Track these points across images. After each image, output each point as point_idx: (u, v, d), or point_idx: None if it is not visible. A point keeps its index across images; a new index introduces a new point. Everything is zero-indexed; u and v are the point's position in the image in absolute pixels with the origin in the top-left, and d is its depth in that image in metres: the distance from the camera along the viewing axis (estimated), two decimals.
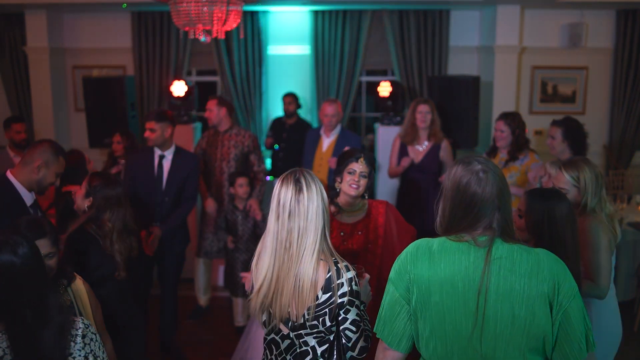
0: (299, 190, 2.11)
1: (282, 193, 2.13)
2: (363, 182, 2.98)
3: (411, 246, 1.93)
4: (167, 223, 4.27)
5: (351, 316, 2.12)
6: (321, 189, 2.15)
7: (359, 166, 2.97)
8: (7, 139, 5.28)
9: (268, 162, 6.70)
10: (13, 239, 1.80)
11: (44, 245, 2.28)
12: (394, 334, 1.90)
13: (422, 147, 5.02)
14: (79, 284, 2.44)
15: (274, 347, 2.24)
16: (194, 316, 5.09)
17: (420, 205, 4.98)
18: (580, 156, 3.05)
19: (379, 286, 3.01)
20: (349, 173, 2.98)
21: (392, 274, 1.94)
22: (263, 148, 6.73)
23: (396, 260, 1.95)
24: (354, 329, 2.12)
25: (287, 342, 2.20)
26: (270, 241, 2.14)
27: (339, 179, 3.01)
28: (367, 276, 2.41)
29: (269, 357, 2.25)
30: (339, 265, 2.12)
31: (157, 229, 4.20)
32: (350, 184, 2.97)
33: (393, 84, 6.11)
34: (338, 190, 3.02)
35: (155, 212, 4.28)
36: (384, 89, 6.07)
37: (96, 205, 2.98)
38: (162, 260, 4.36)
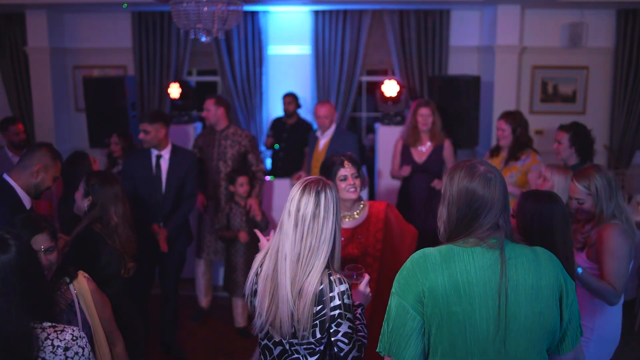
0: (316, 204, 2.08)
1: (303, 202, 2.08)
2: (357, 182, 2.99)
3: (417, 256, 1.87)
4: (171, 223, 4.28)
5: (343, 329, 2.09)
6: (337, 208, 2.12)
7: (347, 170, 2.97)
8: (6, 140, 5.27)
9: (268, 162, 6.70)
10: (3, 236, 1.78)
11: (43, 240, 2.28)
12: (409, 353, 1.81)
13: (424, 148, 5.04)
14: (82, 283, 2.41)
15: (267, 353, 2.24)
16: (195, 318, 5.09)
17: (422, 205, 4.98)
18: (591, 164, 3.05)
19: (377, 289, 3.00)
20: (342, 180, 2.97)
21: (397, 287, 1.86)
22: (263, 148, 6.74)
23: (400, 272, 1.87)
24: (346, 341, 2.10)
25: (279, 348, 2.20)
26: (289, 251, 2.10)
27: None
28: (367, 277, 2.39)
29: None
30: (332, 277, 2.09)
31: (163, 229, 4.22)
32: (348, 189, 2.97)
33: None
34: None
35: (156, 211, 4.28)
36: (390, 88, 6.01)
37: (99, 203, 2.98)
38: (163, 260, 4.36)
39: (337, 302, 2.07)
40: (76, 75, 6.98)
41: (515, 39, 6.35)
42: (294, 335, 2.11)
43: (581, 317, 2.76)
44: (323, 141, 5.21)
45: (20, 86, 7.00)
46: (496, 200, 1.81)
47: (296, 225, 2.08)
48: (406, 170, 4.96)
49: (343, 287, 2.09)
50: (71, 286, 2.38)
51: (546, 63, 6.69)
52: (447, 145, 5.03)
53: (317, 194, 2.09)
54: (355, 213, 3.07)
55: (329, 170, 3.01)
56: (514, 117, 4.60)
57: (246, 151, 4.89)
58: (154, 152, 4.31)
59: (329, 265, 2.13)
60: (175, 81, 6.34)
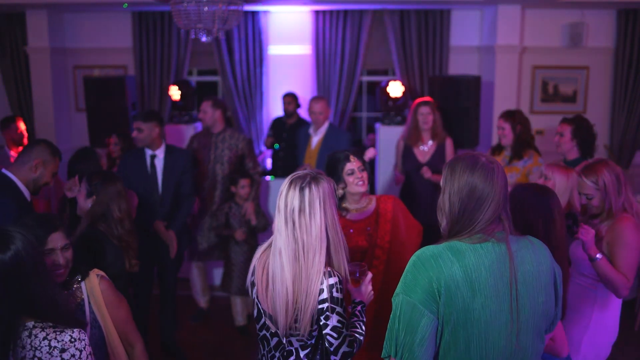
0: (301, 200, 2.07)
1: (289, 198, 2.09)
2: (365, 175, 3.03)
3: (425, 254, 1.80)
4: (176, 224, 4.28)
5: (332, 322, 2.09)
6: (325, 203, 2.09)
7: (353, 164, 3.00)
8: (7, 139, 5.28)
9: (268, 162, 6.70)
10: (7, 235, 1.76)
11: (59, 238, 2.26)
12: (424, 357, 1.74)
13: (427, 147, 5.04)
14: (94, 282, 2.38)
15: (265, 344, 2.26)
16: (195, 318, 5.08)
17: (426, 204, 4.98)
18: (599, 158, 3.06)
19: (385, 281, 3.02)
20: (349, 174, 2.99)
21: (404, 287, 1.78)
22: (263, 148, 6.73)
23: (408, 271, 1.80)
24: (335, 335, 2.10)
25: (275, 339, 2.22)
26: (284, 247, 2.10)
27: (341, 185, 3.02)
28: (370, 274, 2.38)
29: (262, 352, 2.29)
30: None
31: (172, 232, 4.22)
32: (357, 183, 3.00)
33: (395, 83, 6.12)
34: (341, 195, 3.04)
35: (154, 212, 4.28)
36: (396, 89, 6.05)
37: (102, 201, 2.99)
38: (162, 260, 4.36)
39: (325, 295, 2.08)
40: (76, 75, 6.98)
41: (516, 38, 6.35)
42: (290, 327, 2.12)
43: (581, 306, 2.80)
44: (316, 139, 5.18)
45: (21, 86, 7.00)
46: (498, 192, 1.80)
47: (286, 221, 2.09)
48: (400, 179, 5.10)
49: (332, 281, 2.08)
50: (83, 284, 2.36)
51: (546, 63, 6.69)
52: (449, 143, 5.04)
53: (302, 190, 2.08)
54: (363, 206, 3.09)
55: (335, 167, 3.03)
56: (513, 116, 4.60)
57: (243, 154, 4.88)
58: (148, 152, 4.30)
59: (332, 258, 2.13)
60: (175, 83, 6.34)
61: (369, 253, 3.03)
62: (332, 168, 3.05)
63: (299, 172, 2.16)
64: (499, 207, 1.81)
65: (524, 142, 4.54)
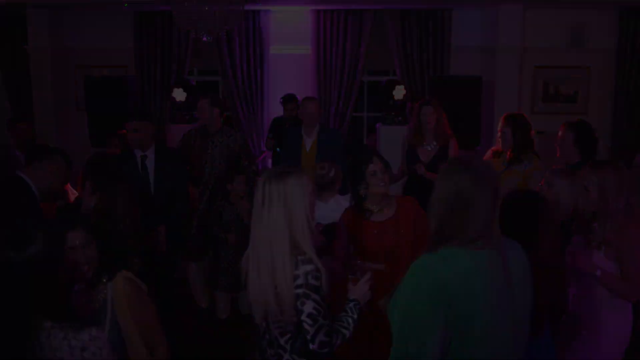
0: (263, 194, 2.16)
1: (257, 192, 2.19)
2: (387, 176, 3.09)
3: (426, 262, 1.80)
4: (170, 221, 4.27)
5: (307, 309, 2.13)
6: (287, 198, 2.14)
7: (376, 165, 3.07)
8: (13, 139, 5.29)
9: (269, 163, 6.70)
10: (28, 234, 1.76)
11: (78, 237, 2.26)
12: (431, 343, 1.72)
13: (430, 147, 5.01)
14: (118, 284, 2.35)
15: (260, 330, 2.33)
16: (196, 318, 5.08)
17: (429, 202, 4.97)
18: (610, 159, 3.09)
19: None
20: (372, 175, 3.07)
21: (410, 298, 1.76)
22: (264, 148, 6.72)
23: (412, 283, 1.78)
24: (310, 322, 2.14)
25: (263, 327, 2.28)
26: (251, 240, 2.21)
27: (363, 186, 3.08)
28: (369, 274, 2.40)
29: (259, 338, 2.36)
30: (299, 257, 2.14)
31: (163, 227, 4.21)
32: (379, 184, 3.06)
33: (396, 83, 6.12)
34: (364, 196, 3.10)
35: (149, 213, 4.25)
36: (399, 92, 6.09)
37: (104, 197, 3.01)
38: (159, 260, 4.34)
39: (300, 280, 2.12)
40: (77, 75, 6.98)
41: (517, 39, 6.34)
42: (271, 314, 2.19)
43: (600, 314, 2.80)
44: (310, 141, 5.12)
45: (21, 86, 7.00)
46: (487, 199, 1.79)
47: (254, 215, 2.20)
48: (399, 176, 5.03)
49: (309, 268, 2.13)
50: (108, 286, 2.35)
51: (548, 63, 6.68)
52: (453, 144, 4.99)
53: (263, 185, 2.17)
54: (385, 206, 3.15)
55: (358, 168, 3.09)
56: (513, 120, 4.55)
57: (239, 153, 4.87)
58: (138, 153, 4.26)
59: (301, 249, 2.16)
60: (178, 84, 6.34)
61: (394, 252, 3.09)
62: (355, 169, 3.12)
63: (270, 169, 2.26)
64: (489, 215, 1.80)
65: (522, 145, 4.52)
